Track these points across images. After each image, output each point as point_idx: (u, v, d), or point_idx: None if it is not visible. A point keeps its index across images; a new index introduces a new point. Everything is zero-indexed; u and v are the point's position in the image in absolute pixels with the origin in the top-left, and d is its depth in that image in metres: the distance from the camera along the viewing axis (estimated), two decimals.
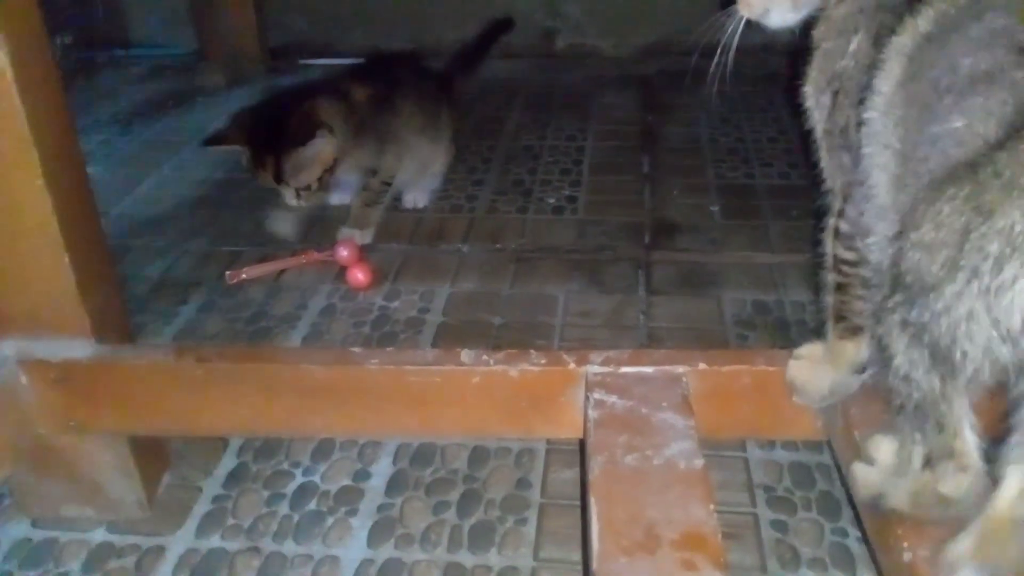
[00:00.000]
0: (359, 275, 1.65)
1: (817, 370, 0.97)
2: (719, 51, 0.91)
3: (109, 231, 1.77)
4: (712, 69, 0.91)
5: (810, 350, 0.99)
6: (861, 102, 0.80)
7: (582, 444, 0.98)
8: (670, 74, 2.56)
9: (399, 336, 1.51)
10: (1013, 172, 0.62)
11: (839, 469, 1.07)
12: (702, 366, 1.01)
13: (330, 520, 1.16)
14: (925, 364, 0.71)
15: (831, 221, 0.90)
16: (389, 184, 1.84)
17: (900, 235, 0.71)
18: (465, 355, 1.04)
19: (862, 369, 0.93)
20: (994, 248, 0.62)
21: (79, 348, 1.07)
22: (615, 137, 2.27)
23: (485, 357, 1.04)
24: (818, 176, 0.91)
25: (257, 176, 1.71)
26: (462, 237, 1.82)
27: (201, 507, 1.19)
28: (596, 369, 1.01)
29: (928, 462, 0.76)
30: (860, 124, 0.80)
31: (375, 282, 1.66)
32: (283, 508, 1.18)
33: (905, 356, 0.72)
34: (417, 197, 1.94)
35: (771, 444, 1.25)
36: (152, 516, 1.18)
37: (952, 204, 0.65)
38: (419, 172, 1.92)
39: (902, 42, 0.76)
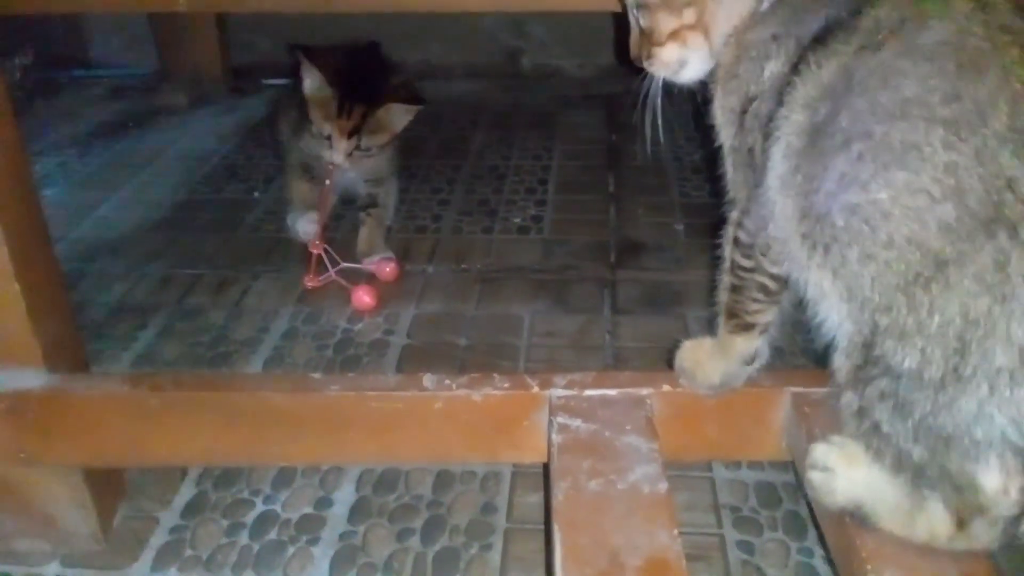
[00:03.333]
0: (365, 297, 1.63)
1: (708, 360, 0.99)
2: (646, 114, 0.95)
3: (66, 255, 1.77)
4: (647, 130, 0.94)
5: (698, 342, 1.02)
6: (766, 133, 0.81)
7: (546, 469, 0.97)
8: (635, 94, 2.56)
9: (363, 359, 1.49)
10: (999, 279, 0.65)
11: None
12: (666, 388, 1.01)
13: (291, 549, 1.14)
14: (917, 437, 0.73)
15: (730, 229, 0.93)
16: None
17: (862, 307, 0.73)
18: (427, 380, 1.03)
19: (751, 361, 0.97)
20: (1003, 362, 0.66)
21: (30, 378, 1.05)
22: (580, 156, 2.27)
23: (448, 382, 1.03)
24: (723, 187, 0.93)
25: (323, 125, 1.66)
26: (427, 258, 1.80)
27: (158, 538, 1.16)
28: (560, 392, 1.01)
29: (960, 521, 0.77)
30: (764, 153, 0.82)
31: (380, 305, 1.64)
32: (243, 538, 1.16)
33: (891, 426, 0.74)
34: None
35: (737, 464, 1.25)
36: (108, 549, 1.15)
37: (929, 303, 0.68)
38: None
39: (805, 91, 0.77)
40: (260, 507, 1.20)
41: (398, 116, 1.71)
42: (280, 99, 2.07)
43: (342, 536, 1.15)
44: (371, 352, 1.51)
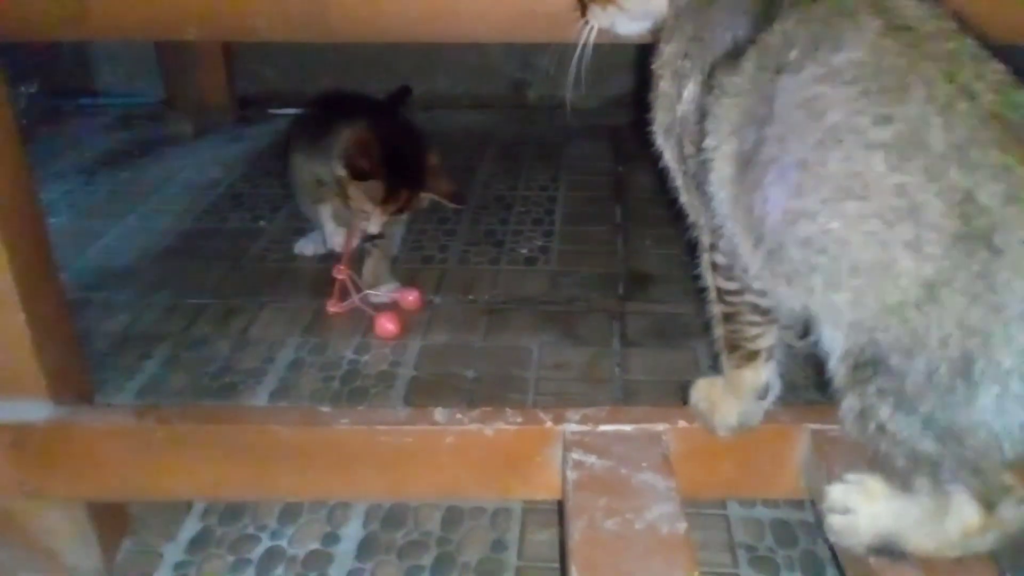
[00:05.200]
0: (388, 325, 1.63)
1: (722, 401, 0.96)
2: (577, 54, 0.94)
3: (70, 284, 1.75)
4: (571, 69, 0.94)
5: (711, 380, 0.99)
6: (701, 160, 0.81)
7: (561, 506, 0.95)
8: (640, 125, 2.56)
9: (370, 391, 1.47)
10: (985, 289, 0.65)
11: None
12: (682, 423, 0.99)
13: None
14: (926, 430, 0.71)
15: (705, 256, 0.91)
16: None
17: (851, 327, 0.73)
18: (438, 414, 1.02)
19: (764, 394, 0.94)
20: (1010, 364, 0.66)
21: (35, 410, 1.03)
22: (587, 187, 2.27)
23: (459, 416, 1.01)
24: (681, 211, 0.92)
25: (365, 204, 1.67)
26: (434, 288, 1.79)
27: (162, 574, 1.13)
28: (574, 427, 0.99)
29: (988, 505, 0.76)
30: (704, 179, 0.81)
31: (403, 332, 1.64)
32: (248, 574, 1.13)
33: (895, 423, 0.73)
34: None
35: (752, 501, 1.22)
36: None
37: (924, 322, 0.68)
38: None
39: (727, 117, 0.77)
40: (266, 542, 1.18)
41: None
42: (292, 125, 2.06)
43: (350, 574, 1.13)
44: (378, 384, 1.49)
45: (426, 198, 1.71)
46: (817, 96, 0.70)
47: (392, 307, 1.68)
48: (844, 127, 0.69)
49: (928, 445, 0.72)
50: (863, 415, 0.75)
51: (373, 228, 1.70)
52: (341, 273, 1.69)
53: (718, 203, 0.80)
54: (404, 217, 1.83)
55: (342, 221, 1.81)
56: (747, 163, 0.75)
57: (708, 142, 0.79)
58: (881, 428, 0.74)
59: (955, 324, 0.67)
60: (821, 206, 0.70)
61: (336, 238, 1.83)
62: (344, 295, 1.69)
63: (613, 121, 2.68)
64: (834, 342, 0.77)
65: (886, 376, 0.71)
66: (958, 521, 0.77)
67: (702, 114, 0.80)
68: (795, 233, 0.72)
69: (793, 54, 0.72)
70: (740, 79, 0.75)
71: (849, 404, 0.76)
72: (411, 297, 1.71)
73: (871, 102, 0.68)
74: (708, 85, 0.79)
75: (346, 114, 1.75)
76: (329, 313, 1.68)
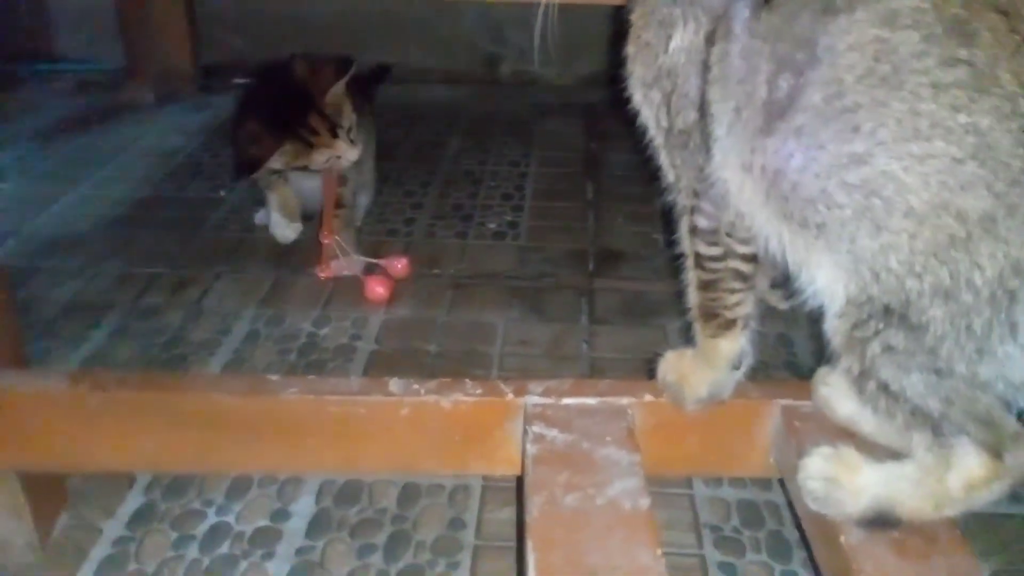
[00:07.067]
0: (378, 288, 1.60)
1: (693, 372, 0.92)
2: (541, 8, 0.90)
3: (18, 250, 1.69)
4: (538, 24, 0.90)
5: (680, 353, 0.94)
6: (703, 112, 0.77)
7: (520, 481, 0.91)
8: (614, 102, 2.51)
9: (328, 364, 1.42)
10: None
11: (792, 508, 1.00)
12: (648, 397, 0.95)
13: (244, 564, 1.06)
14: (935, 389, 0.70)
15: (685, 219, 0.86)
16: None
17: (875, 275, 0.70)
18: (393, 384, 0.96)
19: (739, 363, 0.90)
20: None
21: None
22: (558, 164, 2.22)
23: (415, 387, 0.96)
24: (658, 172, 0.87)
25: (313, 159, 1.61)
26: None
27: (100, 550, 1.08)
28: (535, 400, 0.94)
29: (996, 454, 0.74)
30: (704, 133, 0.77)
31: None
32: (192, 551, 1.08)
33: (898, 382, 0.71)
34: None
35: (718, 481, 1.19)
36: (45, 560, 1.07)
37: (973, 261, 0.66)
38: None
39: (751, 64, 0.72)
40: (212, 518, 1.13)
41: (339, 89, 1.63)
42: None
43: (299, 551, 1.08)
44: (337, 357, 1.44)
45: (337, 98, 1.61)
46: (873, 39, 0.67)
47: (381, 271, 1.65)
48: (907, 69, 0.66)
49: (933, 403, 0.71)
50: (863, 376, 0.73)
51: (351, 154, 1.62)
52: (327, 238, 1.65)
53: (723, 157, 0.76)
54: (369, 178, 1.80)
55: (289, 213, 1.73)
56: (780, 111, 0.71)
57: (713, 95, 0.75)
58: (883, 387, 0.72)
59: (1007, 261, 0.66)
60: (878, 148, 0.67)
61: (279, 230, 1.74)
62: (330, 259, 1.66)
63: (587, 98, 2.63)
64: (833, 293, 0.74)
65: (896, 330, 0.69)
66: (962, 474, 0.75)
67: (704, 67, 0.75)
68: (844, 178, 0.69)
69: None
70: (765, 25, 0.71)
71: (847, 365, 0.74)
72: (399, 264, 1.67)
73: (936, 45, 0.66)
74: (709, 32, 0.74)
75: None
76: (321, 279, 1.65)
